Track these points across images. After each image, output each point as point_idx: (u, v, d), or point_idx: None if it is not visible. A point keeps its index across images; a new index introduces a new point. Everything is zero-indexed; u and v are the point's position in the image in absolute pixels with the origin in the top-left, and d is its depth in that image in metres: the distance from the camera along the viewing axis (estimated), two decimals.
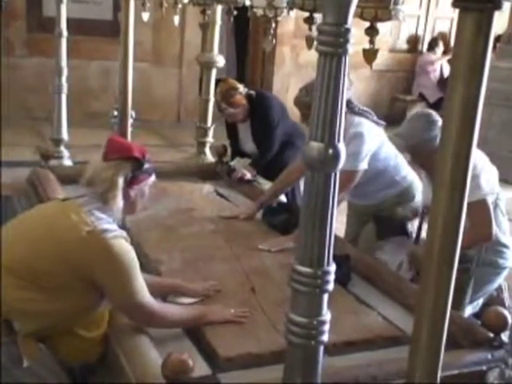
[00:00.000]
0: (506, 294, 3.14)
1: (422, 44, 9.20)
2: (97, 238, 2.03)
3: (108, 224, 2.08)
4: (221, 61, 4.65)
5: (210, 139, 4.72)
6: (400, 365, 2.03)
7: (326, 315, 1.41)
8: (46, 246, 2.06)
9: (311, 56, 8.01)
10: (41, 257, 2.05)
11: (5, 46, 7.06)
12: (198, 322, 2.28)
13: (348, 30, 1.23)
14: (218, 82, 4.33)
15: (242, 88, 4.11)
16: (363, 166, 3.15)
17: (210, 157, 4.72)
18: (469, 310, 2.96)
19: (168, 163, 4.78)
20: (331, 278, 1.36)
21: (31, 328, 2.06)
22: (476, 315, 2.94)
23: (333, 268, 1.36)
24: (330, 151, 1.27)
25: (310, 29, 2.22)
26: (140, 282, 2.09)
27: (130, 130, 4.37)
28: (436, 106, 8.23)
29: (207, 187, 4.00)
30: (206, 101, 4.64)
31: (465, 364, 2.16)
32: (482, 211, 2.68)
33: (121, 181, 2.13)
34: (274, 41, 3.24)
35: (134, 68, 4.33)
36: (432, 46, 8.97)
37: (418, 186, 3.26)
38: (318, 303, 1.37)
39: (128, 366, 2.00)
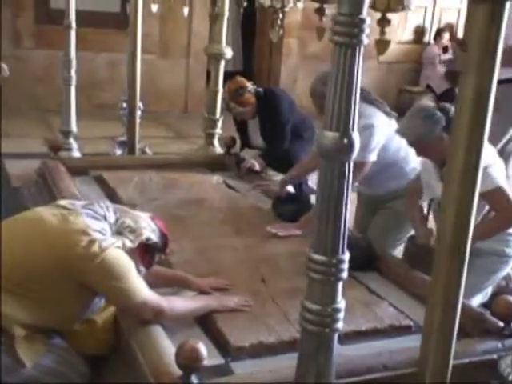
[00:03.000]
0: None
1: (429, 35, 9.17)
2: (92, 249, 2.02)
3: (101, 234, 2.09)
4: (229, 52, 4.64)
5: (218, 131, 4.73)
6: (411, 354, 2.05)
7: (341, 303, 1.42)
8: (40, 251, 2.05)
9: (319, 48, 8.04)
10: (33, 261, 2.04)
11: (13, 37, 7.08)
12: (203, 312, 2.29)
13: (363, 21, 1.24)
14: (226, 78, 4.35)
15: (250, 86, 4.11)
16: (372, 157, 3.16)
17: (218, 148, 4.72)
18: (478, 300, 2.97)
19: (177, 154, 4.80)
20: (346, 266, 1.37)
21: (26, 331, 2.04)
22: (485, 305, 2.95)
23: (347, 256, 1.37)
24: (345, 140, 1.29)
25: (321, 19, 2.22)
26: (137, 281, 2.09)
27: (138, 121, 4.41)
28: (443, 97, 8.21)
29: (216, 178, 4.01)
30: (215, 92, 4.64)
31: (475, 353, 2.16)
32: (501, 197, 2.70)
33: (145, 237, 2.18)
34: (281, 32, 3.23)
35: (141, 60, 4.36)
36: (438, 37, 8.94)
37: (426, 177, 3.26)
38: (333, 291, 1.39)
39: (141, 355, 2.02)
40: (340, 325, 1.43)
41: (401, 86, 9.10)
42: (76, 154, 4.41)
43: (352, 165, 1.40)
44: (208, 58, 5.07)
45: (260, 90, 4.14)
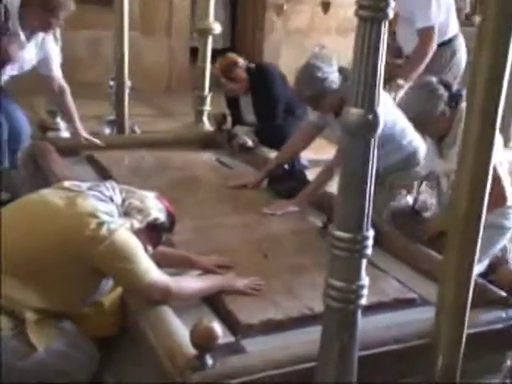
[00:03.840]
0: (511, 255, 3.19)
1: None
2: (101, 231, 2.00)
3: (109, 216, 2.07)
4: (217, 28, 4.59)
5: (207, 107, 4.68)
6: (419, 326, 2.08)
7: (365, 279, 1.43)
8: (47, 235, 2.03)
9: (302, 23, 7.92)
10: (40, 245, 2.02)
11: None
12: (212, 292, 2.29)
13: None
14: (215, 55, 4.30)
15: (242, 62, 4.08)
16: None
17: (207, 125, 4.68)
18: (476, 271, 3.00)
19: (167, 133, 4.75)
20: (370, 242, 1.37)
21: (37, 315, 2.03)
22: (482, 275, 2.98)
23: (371, 233, 1.37)
24: (370, 117, 1.28)
25: None
26: (146, 262, 2.08)
27: (127, 99, 4.36)
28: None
29: (209, 156, 3.98)
30: (203, 69, 4.59)
31: (480, 323, 2.19)
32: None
33: (153, 217, 2.16)
34: None
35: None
36: None
37: (423, 151, 3.27)
38: (357, 268, 1.39)
39: (152, 336, 2.01)
40: (364, 301, 1.44)
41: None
42: (64, 134, 4.35)
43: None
44: (193, 34, 5.01)
45: (252, 65, 4.11)
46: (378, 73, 1.27)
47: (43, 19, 3.41)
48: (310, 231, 2.93)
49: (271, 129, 4.08)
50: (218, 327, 1.80)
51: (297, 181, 3.41)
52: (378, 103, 1.30)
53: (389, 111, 3.19)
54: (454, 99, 2.73)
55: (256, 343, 2.09)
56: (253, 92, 4.15)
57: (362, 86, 1.27)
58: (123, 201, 2.16)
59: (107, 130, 4.72)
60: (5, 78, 3.62)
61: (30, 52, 3.56)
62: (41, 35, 3.57)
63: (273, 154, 4.06)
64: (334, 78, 3.15)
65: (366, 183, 1.32)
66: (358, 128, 1.28)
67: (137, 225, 2.11)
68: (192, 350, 1.83)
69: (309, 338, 2.06)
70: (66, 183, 2.23)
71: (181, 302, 2.22)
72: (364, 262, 1.41)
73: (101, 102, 5.61)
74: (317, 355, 1.55)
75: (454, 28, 4.40)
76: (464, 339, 1.77)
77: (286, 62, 6.53)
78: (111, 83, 4.62)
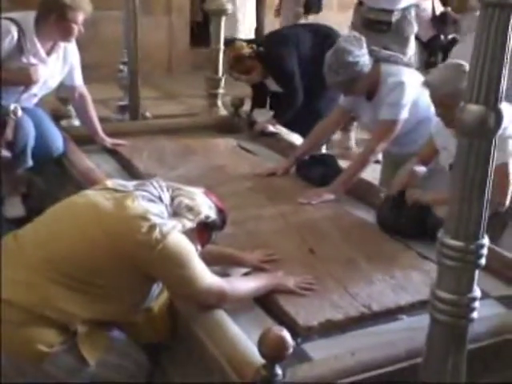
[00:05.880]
0: None
1: None
2: (153, 235, 1.86)
3: (160, 218, 1.92)
4: (229, 8, 4.42)
5: (221, 90, 4.52)
6: (492, 322, 1.97)
7: (477, 291, 1.30)
8: (95, 241, 1.87)
9: None
10: (90, 252, 1.87)
11: None
12: (264, 292, 2.16)
13: None
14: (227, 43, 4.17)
15: (248, 51, 3.92)
16: (404, 114, 3.05)
17: (222, 109, 4.53)
18: None
19: (184, 118, 4.59)
20: (485, 251, 1.25)
21: (88, 327, 1.89)
22: None
23: (486, 240, 1.25)
24: (492, 115, 1.14)
25: None
26: (200, 266, 1.95)
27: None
28: (429, 44, 8.08)
29: (230, 141, 3.84)
30: (216, 51, 4.42)
31: None
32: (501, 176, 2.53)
33: (204, 215, 2.03)
34: None
35: (121, 17, 4.09)
36: None
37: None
38: (470, 279, 1.26)
39: (211, 344, 1.88)
40: (475, 314, 1.32)
41: None
42: (77, 121, 4.16)
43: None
44: (204, 14, 4.83)
45: (260, 50, 3.93)
46: (503, 65, 1.13)
47: (63, 28, 3.16)
48: (352, 221, 2.81)
49: (295, 111, 3.93)
50: (288, 336, 1.67)
51: (328, 167, 3.27)
52: (501, 99, 1.16)
53: (422, 93, 3.05)
54: None
55: (318, 347, 1.97)
56: (270, 75, 4.00)
57: (485, 81, 1.13)
58: (172, 199, 2.01)
59: (118, 116, 4.55)
60: (35, 100, 3.37)
61: (53, 67, 3.30)
62: (62, 46, 3.31)
63: (294, 138, 3.94)
64: (365, 60, 3.03)
65: (484, 188, 1.19)
66: (477, 127, 1.15)
67: (188, 225, 1.97)
68: (257, 359, 1.71)
69: (372, 341, 1.97)
70: (109, 183, 2.07)
71: (233, 304, 2.10)
72: (477, 272, 1.29)
73: (102, 85, 5.44)
74: (420, 370, 1.43)
75: None
76: None
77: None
78: (121, 67, 4.45)
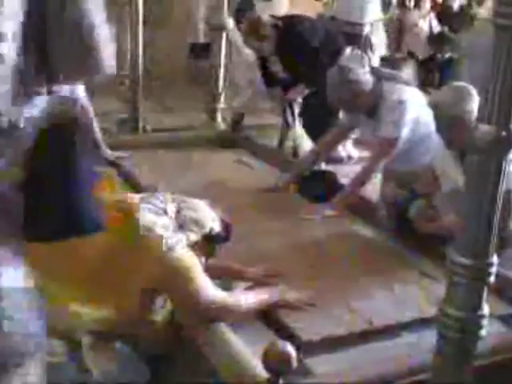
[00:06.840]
0: None
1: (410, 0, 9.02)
2: (159, 248, 1.89)
3: (165, 231, 1.94)
4: (230, 23, 4.44)
5: (221, 105, 4.54)
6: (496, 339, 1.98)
7: (485, 309, 1.32)
8: (103, 255, 1.89)
9: None
10: (97, 266, 1.89)
11: None
12: (265, 306, 2.17)
13: None
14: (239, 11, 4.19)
15: (267, 19, 3.95)
16: (404, 132, 3.07)
17: (221, 124, 4.54)
18: None
19: (184, 132, 4.60)
20: (494, 269, 1.26)
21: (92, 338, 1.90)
22: None
23: (495, 258, 1.27)
24: (504, 134, 1.16)
25: None
26: (204, 280, 1.97)
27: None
28: (426, 63, 8.17)
29: (230, 156, 3.86)
30: (217, 65, 4.44)
31: None
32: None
33: (209, 228, 2.07)
34: None
35: (119, 31, 4.11)
36: (418, 1, 8.80)
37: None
38: (479, 296, 1.28)
39: (213, 356, 1.89)
40: (484, 331, 1.33)
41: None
42: None
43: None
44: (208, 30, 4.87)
45: (279, 22, 3.95)
46: None
47: None
48: (353, 236, 2.83)
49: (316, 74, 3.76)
50: (292, 350, 1.69)
51: (327, 183, 3.30)
52: None
53: (426, 109, 3.08)
54: None
55: (320, 362, 1.98)
56: (279, 51, 4.01)
57: (497, 101, 1.15)
58: (178, 212, 2.03)
59: (117, 129, 4.56)
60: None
61: None
62: None
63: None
64: (367, 78, 3.06)
65: (495, 207, 1.21)
66: (489, 146, 1.17)
67: (193, 237, 1.99)
68: (260, 372, 1.73)
69: (375, 356, 1.99)
70: (116, 195, 2.08)
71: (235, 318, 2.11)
72: (486, 289, 1.30)
73: (102, 97, 5.44)
74: None
75: None
76: None
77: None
78: (122, 80, 4.46)
